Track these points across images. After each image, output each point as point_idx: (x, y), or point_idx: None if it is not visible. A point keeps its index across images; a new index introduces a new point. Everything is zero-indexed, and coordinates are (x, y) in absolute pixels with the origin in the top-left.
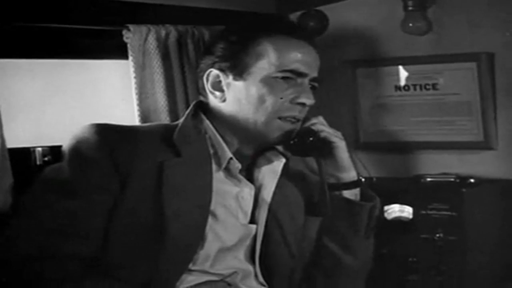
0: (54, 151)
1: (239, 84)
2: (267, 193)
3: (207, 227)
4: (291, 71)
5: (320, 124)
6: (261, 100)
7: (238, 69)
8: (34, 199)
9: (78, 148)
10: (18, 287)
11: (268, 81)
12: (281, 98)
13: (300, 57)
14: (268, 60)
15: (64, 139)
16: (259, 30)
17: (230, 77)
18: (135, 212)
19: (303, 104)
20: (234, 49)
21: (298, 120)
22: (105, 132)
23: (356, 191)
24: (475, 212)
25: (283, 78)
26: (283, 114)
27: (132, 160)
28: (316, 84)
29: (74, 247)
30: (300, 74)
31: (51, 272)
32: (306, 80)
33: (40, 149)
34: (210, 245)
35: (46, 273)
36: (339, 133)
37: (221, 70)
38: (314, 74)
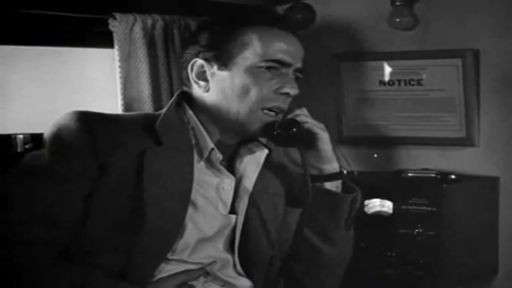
0: (36, 139)
1: (224, 74)
2: (248, 184)
3: (187, 217)
4: (275, 60)
5: (303, 116)
6: (245, 90)
7: (223, 59)
8: (12, 185)
9: (58, 135)
10: None
11: (252, 71)
12: (265, 89)
13: (285, 47)
14: (252, 50)
15: (46, 127)
16: (244, 20)
17: (215, 67)
18: (114, 199)
19: (287, 94)
20: (219, 39)
21: (281, 111)
22: (87, 120)
23: (338, 183)
24: (455, 208)
25: (267, 68)
26: (267, 104)
27: (112, 148)
28: (300, 75)
29: (51, 233)
30: (285, 64)
31: (26, 258)
32: (290, 70)
33: (21, 136)
34: (189, 235)
35: (21, 259)
36: (322, 125)
37: (205, 59)
38: (299, 64)
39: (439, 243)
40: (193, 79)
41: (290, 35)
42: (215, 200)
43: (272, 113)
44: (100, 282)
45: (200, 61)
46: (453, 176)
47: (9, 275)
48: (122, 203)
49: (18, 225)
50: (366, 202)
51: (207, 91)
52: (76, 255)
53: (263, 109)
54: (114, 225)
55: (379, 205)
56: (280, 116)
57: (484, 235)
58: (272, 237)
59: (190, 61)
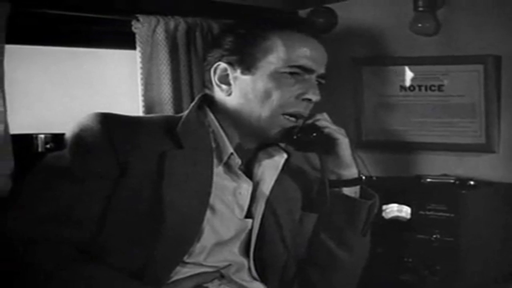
0: (57, 139)
1: (247, 78)
2: (266, 188)
3: (205, 220)
4: (299, 66)
5: (324, 121)
6: (267, 94)
7: (246, 63)
8: (34, 184)
9: (80, 136)
10: (13, 270)
11: (275, 76)
12: (288, 94)
13: (309, 52)
14: (276, 54)
15: (68, 127)
16: (269, 24)
17: (238, 71)
18: (133, 200)
19: (309, 100)
20: (243, 43)
21: (302, 117)
22: (108, 121)
23: (356, 188)
24: (473, 214)
25: (290, 73)
26: (288, 110)
27: (133, 150)
28: (322, 81)
29: (70, 232)
30: (308, 70)
31: (46, 256)
32: (313, 76)
33: (42, 136)
34: (207, 238)
35: (41, 257)
36: (342, 130)
37: (229, 63)
38: (322, 70)
39: (456, 249)
40: (215, 82)
41: (314, 40)
42: (231, 204)
43: (293, 119)
44: (117, 282)
45: (223, 65)
46: (472, 183)
47: (26, 272)
48: (141, 205)
49: (38, 223)
50: (384, 207)
51: (229, 94)
52: (94, 255)
53: (284, 114)
54: (132, 226)
55: (397, 210)
56: (301, 121)
57: (502, 242)
58: (288, 242)
59: (213, 64)
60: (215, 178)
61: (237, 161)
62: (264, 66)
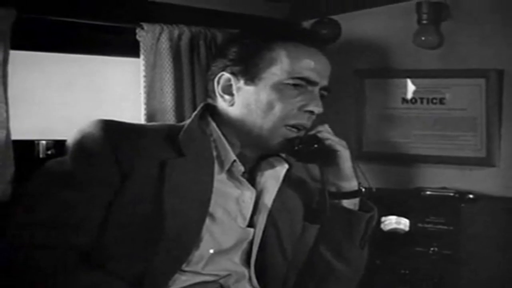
0: (58, 145)
1: (250, 88)
2: (268, 198)
3: (204, 228)
4: (302, 78)
5: (325, 132)
6: (270, 106)
7: (250, 74)
8: (35, 190)
9: (82, 142)
10: (15, 274)
11: (278, 87)
12: (290, 106)
13: (312, 65)
14: (280, 66)
15: (70, 134)
16: (274, 35)
17: (241, 81)
18: (134, 208)
19: (311, 112)
20: (247, 53)
21: (304, 128)
22: (111, 128)
23: (355, 201)
24: (472, 227)
25: (293, 85)
26: (290, 121)
27: (134, 157)
28: (325, 93)
29: (71, 238)
30: (311, 82)
31: (47, 261)
32: (316, 89)
33: (44, 142)
34: (206, 246)
35: (42, 262)
36: (343, 142)
37: (232, 74)
38: (325, 82)
39: (454, 262)
40: (218, 92)
41: (318, 52)
42: (234, 212)
43: (295, 130)
44: None
45: (227, 75)
46: (471, 196)
47: (27, 277)
48: (142, 212)
49: (39, 229)
50: (383, 219)
51: (232, 105)
52: (94, 261)
53: (286, 125)
54: (132, 232)
55: (395, 222)
56: (303, 132)
57: (501, 256)
58: (288, 253)
59: (217, 74)
60: (218, 185)
61: (240, 168)
62: (268, 77)
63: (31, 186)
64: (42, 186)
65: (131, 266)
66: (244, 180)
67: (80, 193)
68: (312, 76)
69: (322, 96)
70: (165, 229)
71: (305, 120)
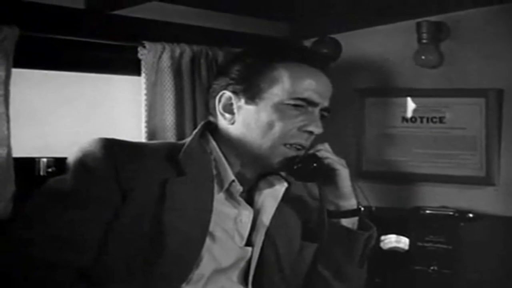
0: (59, 163)
1: (250, 108)
2: (266, 217)
3: (204, 248)
4: (303, 99)
5: (325, 151)
6: (270, 126)
7: (251, 93)
8: (36, 209)
9: (83, 161)
10: None
11: (279, 108)
12: (290, 126)
13: (314, 86)
14: (282, 86)
15: (70, 152)
16: (277, 55)
17: (242, 100)
18: (134, 227)
19: (310, 133)
20: (250, 73)
21: (303, 148)
22: (112, 147)
23: (354, 219)
24: (472, 247)
25: (294, 105)
26: (290, 141)
27: (135, 176)
28: (326, 114)
29: (71, 257)
30: (312, 103)
31: (46, 280)
32: (317, 109)
33: (45, 159)
34: (206, 265)
35: (42, 282)
36: (343, 161)
37: (234, 92)
38: (326, 103)
39: (453, 281)
40: (219, 111)
41: (321, 73)
42: (232, 231)
43: (294, 149)
44: None
45: (228, 94)
46: (471, 215)
47: None
48: (142, 231)
49: (38, 247)
50: (383, 237)
51: (232, 123)
52: (94, 280)
53: (285, 144)
54: (132, 252)
55: (395, 241)
56: (302, 151)
57: (500, 275)
58: (286, 272)
59: (218, 92)
60: (216, 205)
61: (238, 188)
62: (269, 97)
63: (31, 205)
64: (43, 205)
65: (130, 285)
66: (241, 200)
67: (81, 212)
68: (313, 97)
69: (322, 117)
70: (165, 248)
71: (304, 140)
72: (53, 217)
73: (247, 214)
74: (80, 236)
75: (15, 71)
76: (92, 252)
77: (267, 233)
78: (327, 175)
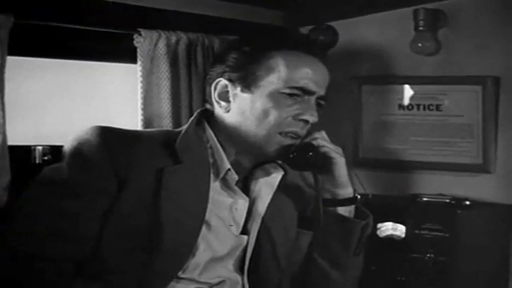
0: (55, 151)
1: (246, 96)
2: (262, 205)
3: (200, 236)
4: (299, 88)
5: (321, 139)
6: (265, 114)
7: (247, 81)
8: (32, 199)
9: (78, 149)
10: (10, 285)
11: (274, 96)
12: (285, 114)
13: (310, 74)
14: (278, 74)
15: (66, 140)
16: (273, 43)
17: (238, 88)
18: (131, 216)
19: (306, 121)
20: (246, 60)
21: (298, 136)
22: (107, 135)
23: (351, 208)
24: (468, 234)
25: (290, 94)
26: (285, 129)
27: (132, 165)
28: (322, 102)
29: (68, 248)
30: (308, 92)
31: (44, 272)
32: (313, 98)
33: (40, 148)
34: (202, 254)
35: (39, 273)
36: (339, 149)
37: (230, 80)
38: (322, 92)
39: (450, 269)
40: (215, 98)
41: (318, 61)
42: (227, 220)
43: (289, 137)
44: None
45: (224, 81)
46: (467, 202)
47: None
48: (139, 220)
49: (35, 239)
50: (379, 225)
51: (228, 111)
52: (91, 271)
53: (280, 133)
54: (129, 241)
55: (391, 228)
56: (298, 140)
57: (496, 262)
58: (282, 260)
59: (214, 79)
60: (211, 194)
61: (234, 176)
62: (265, 85)
63: (27, 195)
64: (39, 195)
65: (127, 276)
66: (237, 189)
67: (77, 201)
68: (309, 85)
69: (319, 105)
70: (162, 236)
71: (299, 128)
72: (49, 208)
73: (242, 203)
74: (77, 227)
75: (10, 59)
76: (90, 243)
77: (262, 222)
78: (323, 164)
